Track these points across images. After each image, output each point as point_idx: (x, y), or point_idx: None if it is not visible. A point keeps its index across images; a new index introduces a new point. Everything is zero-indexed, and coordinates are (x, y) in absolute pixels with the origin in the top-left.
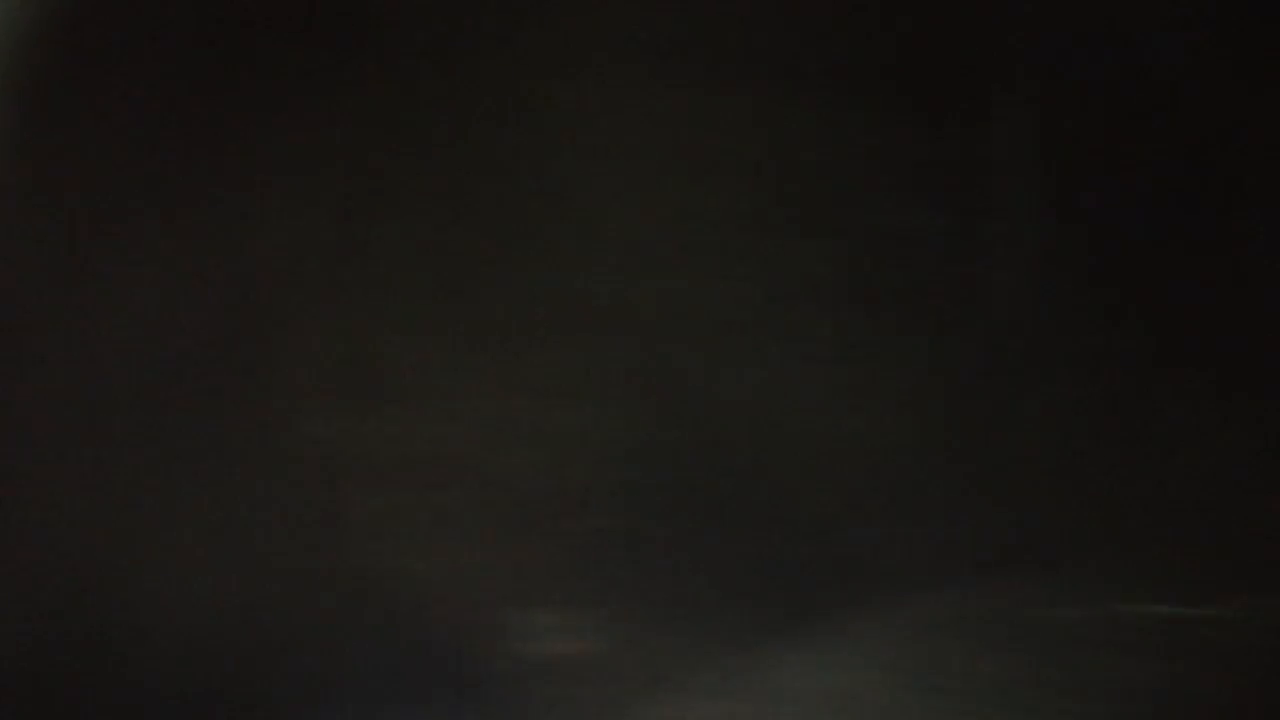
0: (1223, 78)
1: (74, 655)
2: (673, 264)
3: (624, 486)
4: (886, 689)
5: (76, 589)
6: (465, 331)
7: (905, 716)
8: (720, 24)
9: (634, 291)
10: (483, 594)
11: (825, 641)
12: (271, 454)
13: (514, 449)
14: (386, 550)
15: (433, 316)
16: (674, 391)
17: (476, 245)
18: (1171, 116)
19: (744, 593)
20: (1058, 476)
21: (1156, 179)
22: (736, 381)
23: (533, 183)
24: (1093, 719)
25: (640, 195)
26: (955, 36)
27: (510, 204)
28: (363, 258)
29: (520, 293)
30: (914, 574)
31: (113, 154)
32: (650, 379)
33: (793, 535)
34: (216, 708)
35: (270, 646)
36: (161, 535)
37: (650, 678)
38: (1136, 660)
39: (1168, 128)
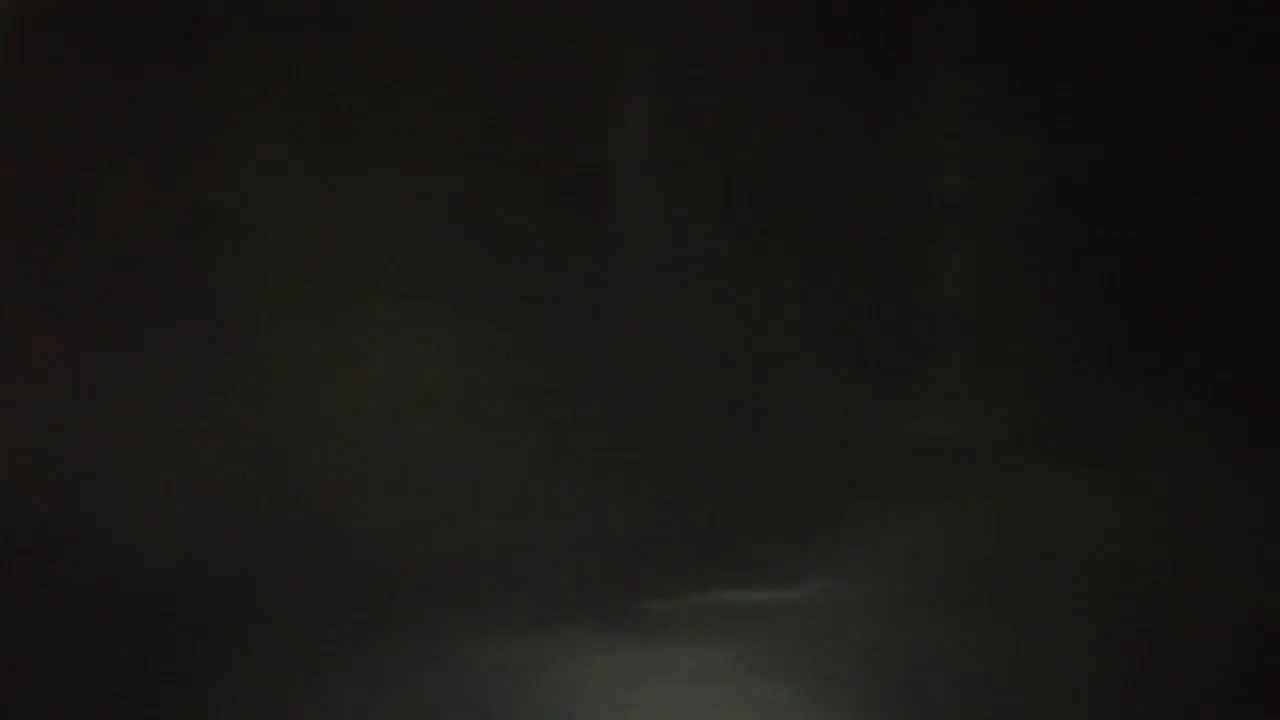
0: (827, 86)
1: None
2: (299, 259)
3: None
4: (507, 682)
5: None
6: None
7: (528, 707)
8: (357, 23)
9: (265, 286)
10: None
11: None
12: None
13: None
14: None
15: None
16: (287, 385)
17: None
18: (803, 117)
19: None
20: (667, 473)
21: (781, 180)
22: (348, 380)
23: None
24: (692, 701)
25: (277, 191)
26: (577, 42)
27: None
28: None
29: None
30: (526, 570)
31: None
32: (269, 372)
33: (391, 538)
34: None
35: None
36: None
37: None
38: (725, 643)
39: (790, 127)
